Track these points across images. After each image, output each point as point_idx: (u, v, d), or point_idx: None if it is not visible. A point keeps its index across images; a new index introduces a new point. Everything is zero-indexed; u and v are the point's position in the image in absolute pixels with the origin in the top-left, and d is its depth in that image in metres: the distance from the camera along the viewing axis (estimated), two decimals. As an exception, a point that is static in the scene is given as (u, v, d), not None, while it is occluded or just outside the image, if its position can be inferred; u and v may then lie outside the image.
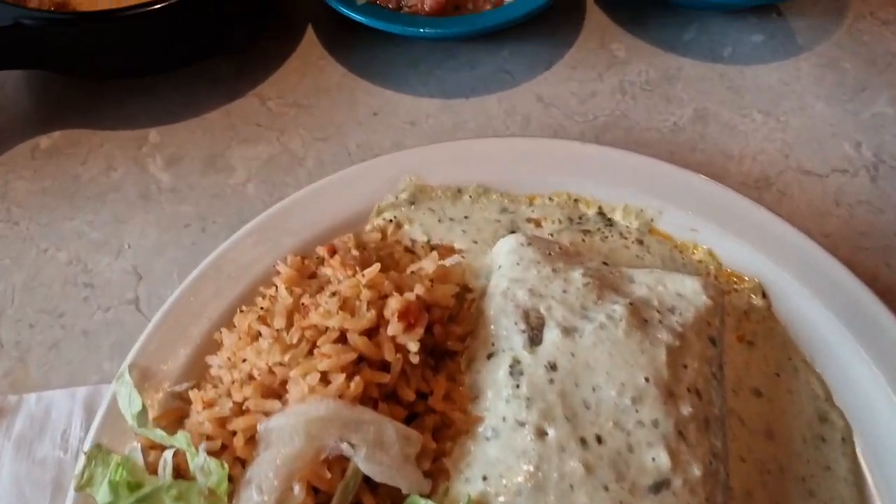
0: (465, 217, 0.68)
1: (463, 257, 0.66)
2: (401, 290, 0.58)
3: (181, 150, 0.79)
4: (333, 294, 0.58)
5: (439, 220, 0.68)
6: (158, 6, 0.72)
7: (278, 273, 0.63)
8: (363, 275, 0.59)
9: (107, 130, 0.81)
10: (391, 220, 0.68)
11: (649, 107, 0.83)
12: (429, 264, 0.62)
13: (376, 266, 0.59)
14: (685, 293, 0.61)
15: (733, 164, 0.78)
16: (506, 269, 0.62)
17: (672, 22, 0.90)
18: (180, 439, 0.52)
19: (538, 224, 0.69)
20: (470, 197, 0.70)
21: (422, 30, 0.77)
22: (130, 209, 0.75)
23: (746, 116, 0.82)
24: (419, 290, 0.58)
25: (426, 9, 0.79)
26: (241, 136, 0.80)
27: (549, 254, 0.63)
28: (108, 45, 0.75)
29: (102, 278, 0.70)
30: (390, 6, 0.80)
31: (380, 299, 0.58)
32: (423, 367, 0.57)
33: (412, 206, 0.69)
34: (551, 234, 0.68)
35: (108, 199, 0.75)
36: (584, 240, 0.68)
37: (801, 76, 0.85)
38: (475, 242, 0.67)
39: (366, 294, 0.57)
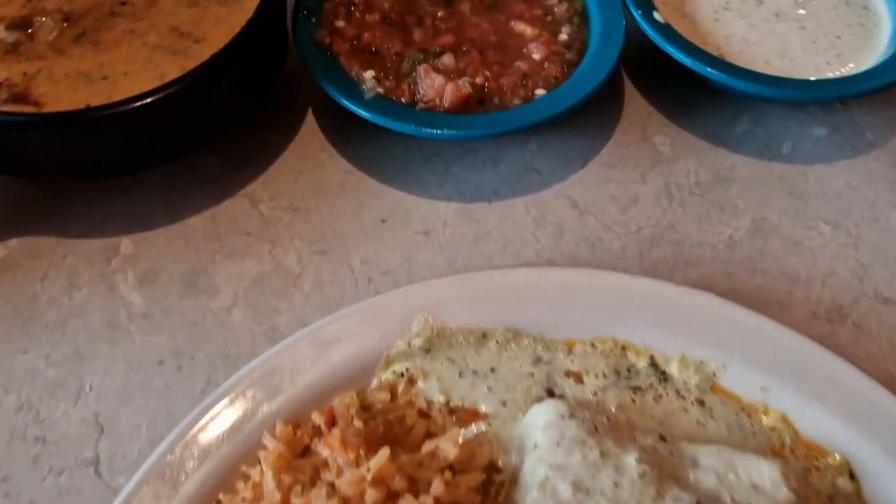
0: (492, 370, 0.57)
1: (489, 424, 0.54)
2: (415, 487, 0.48)
3: (157, 265, 0.68)
4: (332, 489, 0.47)
5: (460, 374, 0.57)
6: (140, 104, 0.62)
7: (264, 446, 0.52)
8: (368, 467, 0.48)
9: (72, 238, 0.69)
10: (402, 374, 0.57)
11: (700, 216, 0.72)
12: (449, 447, 0.50)
13: (384, 453, 0.48)
14: (762, 484, 0.50)
15: (800, 290, 0.67)
16: (543, 451, 0.51)
17: (722, 111, 0.79)
18: None
19: (579, 379, 0.57)
20: (497, 343, 0.58)
21: (439, 131, 0.66)
22: (94, 340, 0.63)
23: (812, 229, 0.71)
24: (437, 487, 0.47)
25: (445, 104, 0.68)
26: (228, 248, 0.69)
27: (596, 428, 0.52)
28: (80, 146, 0.64)
29: (57, 431, 0.59)
30: (403, 100, 0.69)
31: (388, 499, 0.47)
32: (442, 591, 0.46)
33: (428, 356, 0.57)
34: (595, 393, 0.57)
35: (69, 327, 0.64)
36: (634, 400, 0.57)
37: (873, 179, 0.74)
38: (504, 404, 0.56)
39: (371, 495, 0.46)
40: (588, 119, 0.77)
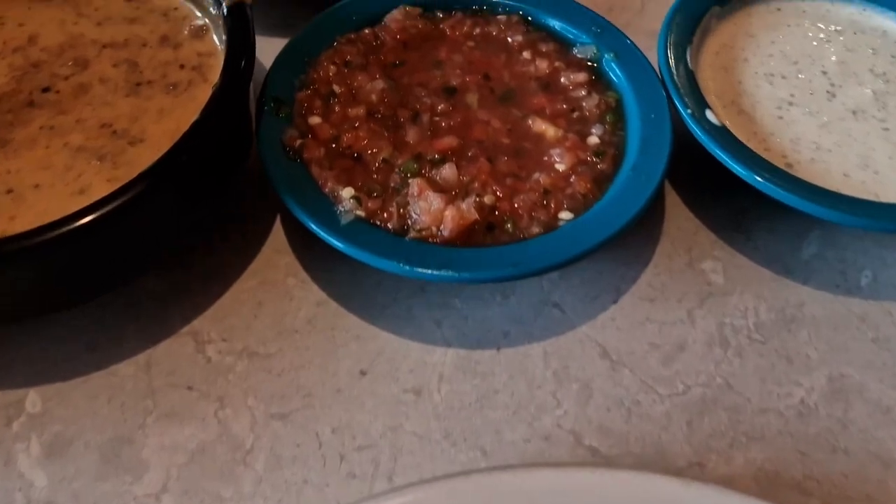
0: None
1: None
2: None
3: (70, 429, 0.53)
4: None
5: None
6: (43, 239, 0.47)
7: None
8: None
9: (-34, 390, 0.55)
10: None
11: (763, 370, 0.57)
12: None
13: None
14: None
15: (893, 477, 0.52)
16: None
17: (784, 229, 0.65)
18: None
19: None
20: (506, 579, 0.43)
21: (436, 272, 0.51)
22: (-23, 541, 0.49)
23: (904, 390, 0.56)
24: None
25: (445, 234, 0.53)
26: (163, 408, 0.54)
27: None
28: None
29: None
30: (390, 226, 0.54)
31: None
32: None
33: None
34: None
35: (-55, 519, 0.49)
36: None
37: (975, 322, 0.60)
38: None
39: None
40: (621, 240, 0.62)
